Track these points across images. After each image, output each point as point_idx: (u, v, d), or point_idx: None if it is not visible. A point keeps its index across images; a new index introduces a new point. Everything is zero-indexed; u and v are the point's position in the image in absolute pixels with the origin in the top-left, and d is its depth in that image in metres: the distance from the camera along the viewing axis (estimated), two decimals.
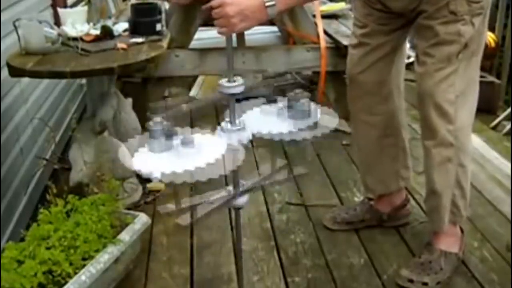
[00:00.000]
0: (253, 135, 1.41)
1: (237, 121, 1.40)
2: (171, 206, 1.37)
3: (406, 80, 2.14)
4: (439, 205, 1.94)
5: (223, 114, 1.44)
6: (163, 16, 2.57)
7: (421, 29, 1.84)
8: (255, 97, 1.54)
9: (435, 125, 1.84)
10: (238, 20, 1.40)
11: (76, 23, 2.42)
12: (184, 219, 1.36)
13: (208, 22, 2.62)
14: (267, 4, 1.43)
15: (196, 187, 2.30)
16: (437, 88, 1.80)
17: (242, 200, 1.47)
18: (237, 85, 1.37)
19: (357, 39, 2.04)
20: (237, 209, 1.51)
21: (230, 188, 1.47)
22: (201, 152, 1.30)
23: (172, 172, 1.22)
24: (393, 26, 1.95)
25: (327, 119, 1.46)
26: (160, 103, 1.40)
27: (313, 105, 1.46)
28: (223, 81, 1.38)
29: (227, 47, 1.41)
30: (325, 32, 3.41)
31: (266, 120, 1.45)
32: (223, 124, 1.40)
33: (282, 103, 1.48)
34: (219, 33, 1.42)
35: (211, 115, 3.38)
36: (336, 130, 1.46)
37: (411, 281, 1.92)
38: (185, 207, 1.38)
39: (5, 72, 2.14)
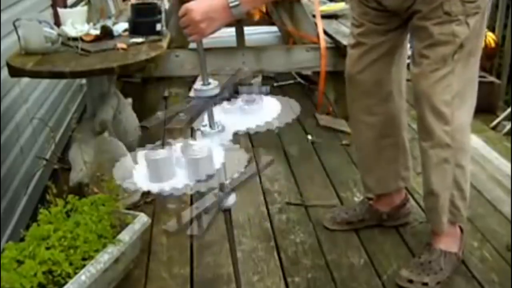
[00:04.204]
0: (234, 134, 1.41)
1: (216, 124, 1.39)
2: (173, 224, 1.37)
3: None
4: (437, 206, 1.94)
5: None
6: (163, 16, 2.57)
7: (416, 29, 1.84)
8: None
9: (431, 126, 1.83)
10: (205, 25, 1.40)
11: (76, 23, 2.42)
12: (172, 226, 1.36)
13: None
14: (231, 4, 1.43)
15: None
16: (432, 90, 1.80)
17: (230, 201, 1.46)
18: (212, 88, 1.37)
19: (354, 38, 2.05)
20: (226, 210, 1.50)
21: (216, 191, 1.46)
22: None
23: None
24: (389, 26, 1.95)
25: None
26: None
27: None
28: (198, 85, 1.39)
29: (198, 50, 1.42)
30: (325, 32, 3.41)
31: (234, 117, 1.45)
32: (202, 128, 1.39)
33: (240, 99, 1.48)
34: (190, 40, 1.43)
35: None
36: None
37: (411, 281, 1.91)
38: (186, 221, 1.37)
39: (5, 72, 2.14)
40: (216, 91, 1.38)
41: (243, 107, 1.46)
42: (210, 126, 1.39)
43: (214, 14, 1.42)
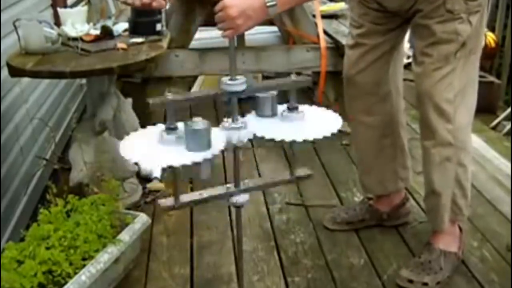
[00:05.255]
0: (255, 137, 1.41)
1: (238, 120, 1.40)
2: (170, 201, 1.37)
3: (405, 80, 2.14)
4: (439, 205, 1.94)
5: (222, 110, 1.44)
6: (163, 16, 2.57)
7: (418, 28, 1.84)
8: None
9: (434, 124, 1.83)
10: (242, 21, 1.41)
11: (76, 23, 2.42)
12: (166, 202, 1.36)
13: (208, 22, 2.62)
14: (268, 4, 1.45)
15: (196, 185, 2.33)
16: (435, 88, 1.80)
17: (242, 198, 1.47)
18: (239, 83, 1.38)
19: (353, 39, 2.04)
20: (238, 207, 1.51)
21: (230, 185, 1.48)
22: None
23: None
24: (389, 26, 1.95)
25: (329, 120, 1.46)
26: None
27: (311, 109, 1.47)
28: (225, 79, 1.39)
29: (230, 46, 1.43)
30: (325, 32, 3.41)
31: (268, 122, 1.45)
32: (224, 121, 1.40)
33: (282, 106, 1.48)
34: (224, 36, 1.43)
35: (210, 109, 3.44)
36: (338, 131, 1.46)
37: (411, 281, 1.91)
38: (184, 202, 1.37)
39: (5, 72, 2.14)
40: (243, 86, 1.38)
41: (285, 114, 1.45)
42: (232, 121, 1.39)
43: (251, 12, 1.43)
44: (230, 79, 1.38)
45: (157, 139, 1.32)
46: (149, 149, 1.31)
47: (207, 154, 1.28)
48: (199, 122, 1.29)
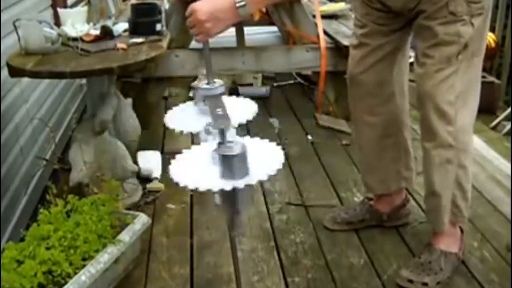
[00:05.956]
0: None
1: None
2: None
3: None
4: (439, 206, 1.94)
5: None
6: (163, 16, 2.57)
7: (420, 29, 1.84)
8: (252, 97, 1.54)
9: (435, 126, 1.83)
10: (211, 24, 1.41)
11: (76, 23, 2.42)
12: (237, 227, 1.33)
13: None
14: (238, 4, 1.43)
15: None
16: (437, 89, 1.80)
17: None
18: (217, 87, 1.37)
19: (357, 39, 2.04)
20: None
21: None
22: None
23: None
24: (392, 27, 1.95)
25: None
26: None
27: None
28: (203, 84, 1.38)
29: (204, 49, 1.42)
30: (325, 32, 3.41)
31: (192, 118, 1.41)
32: (206, 126, 1.37)
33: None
34: (196, 40, 1.43)
35: None
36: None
37: (411, 281, 1.91)
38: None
39: (5, 72, 2.14)
40: (222, 89, 1.37)
41: (202, 107, 1.43)
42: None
43: (221, 14, 1.42)
44: (208, 83, 1.37)
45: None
46: (198, 169, 1.21)
47: (240, 183, 1.16)
48: (232, 147, 1.14)
